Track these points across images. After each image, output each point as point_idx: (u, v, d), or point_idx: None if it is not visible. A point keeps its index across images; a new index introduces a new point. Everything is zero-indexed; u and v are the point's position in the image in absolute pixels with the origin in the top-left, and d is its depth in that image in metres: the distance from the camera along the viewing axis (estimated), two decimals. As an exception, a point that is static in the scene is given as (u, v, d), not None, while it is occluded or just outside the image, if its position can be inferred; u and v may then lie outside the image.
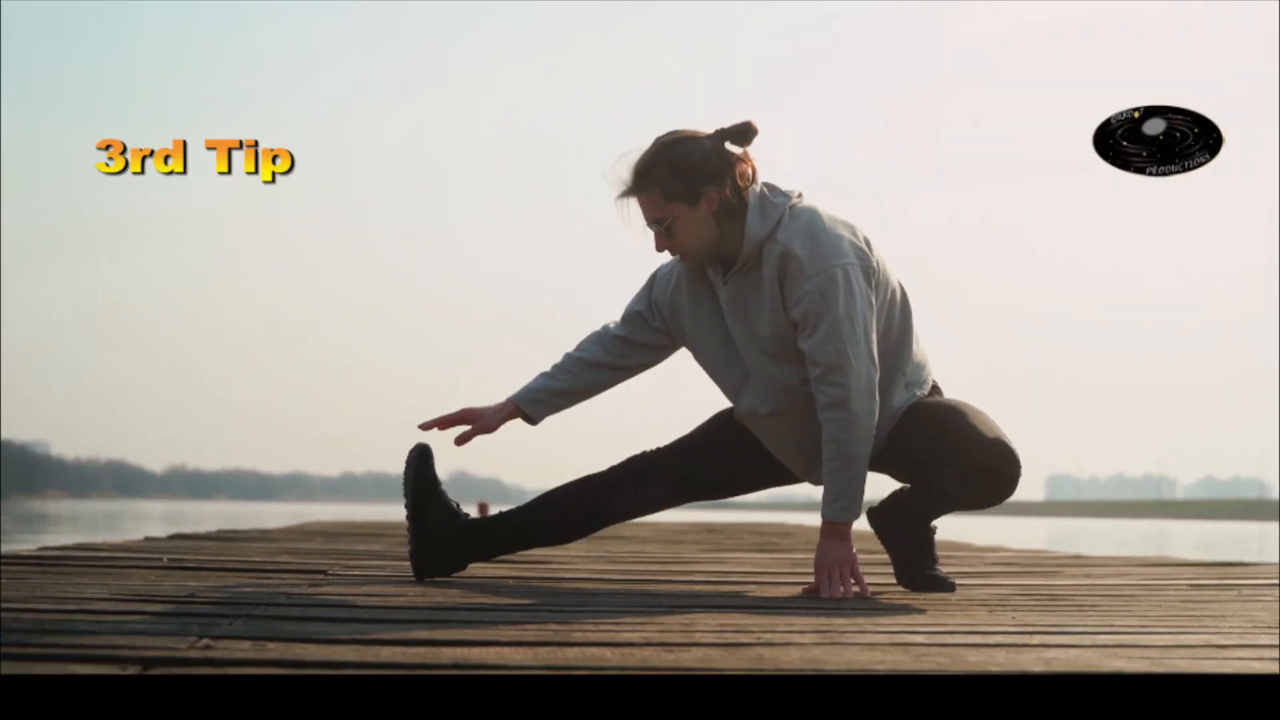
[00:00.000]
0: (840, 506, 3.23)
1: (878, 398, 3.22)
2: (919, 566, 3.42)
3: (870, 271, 3.22)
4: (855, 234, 3.25)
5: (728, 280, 3.30)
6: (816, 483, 3.44)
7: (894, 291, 3.33)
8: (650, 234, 3.29)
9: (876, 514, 3.46)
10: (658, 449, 3.60)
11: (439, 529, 3.48)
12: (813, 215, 3.24)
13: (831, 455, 3.21)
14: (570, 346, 3.56)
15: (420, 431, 3.48)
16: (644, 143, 3.28)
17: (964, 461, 3.23)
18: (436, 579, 3.47)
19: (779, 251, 3.20)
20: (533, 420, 3.53)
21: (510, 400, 3.50)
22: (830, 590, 3.20)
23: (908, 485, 3.43)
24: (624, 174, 3.27)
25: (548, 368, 3.54)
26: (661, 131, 3.29)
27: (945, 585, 3.40)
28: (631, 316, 3.51)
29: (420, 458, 3.50)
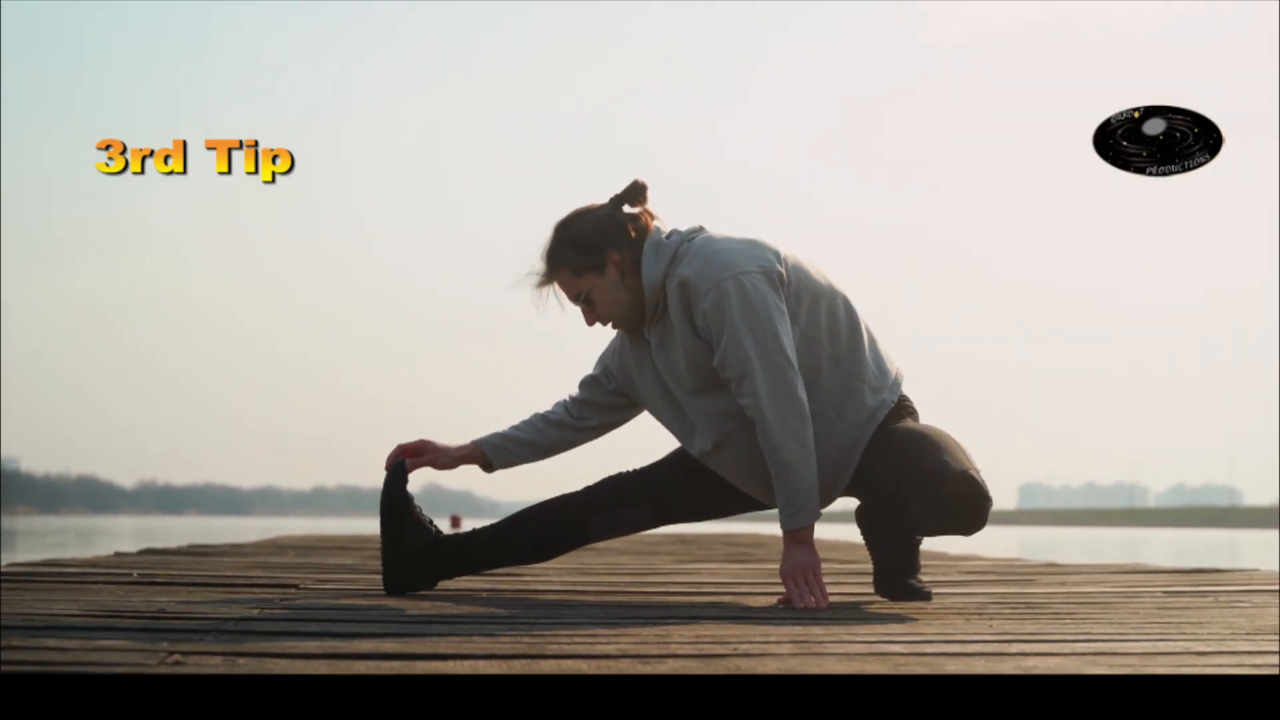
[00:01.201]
0: (791, 513, 3.21)
1: (802, 399, 3.19)
2: (898, 576, 3.42)
3: (773, 275, 3.22)
4: (757, 246, 3.27)
5: (650, 332, 3.38)
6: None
7: (830, 297, 3.32)
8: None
9: (862, 516, 3.47)
10: (635, 471, 3.61)
11: (411, 544, 3.47)
12: (707, 241, 3.28)
13: (770, 466, 3.21)
14: (542, 404, 3.67)
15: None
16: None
17: (931, 496, 3.17)
18: (407, 594, 3.45)
19: (676, 284, 3.25)
20: (490, 466, 3.58)
21: (474, 442, 3.58)
22: (801, 599, 3.18)
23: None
24: (538, 265, 3.40)
25: (515, 423, 3.62)
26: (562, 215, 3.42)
27: (922, 595, 3.40)
28: (588, 381, 3.60)
29: (394, 474, 3.50)
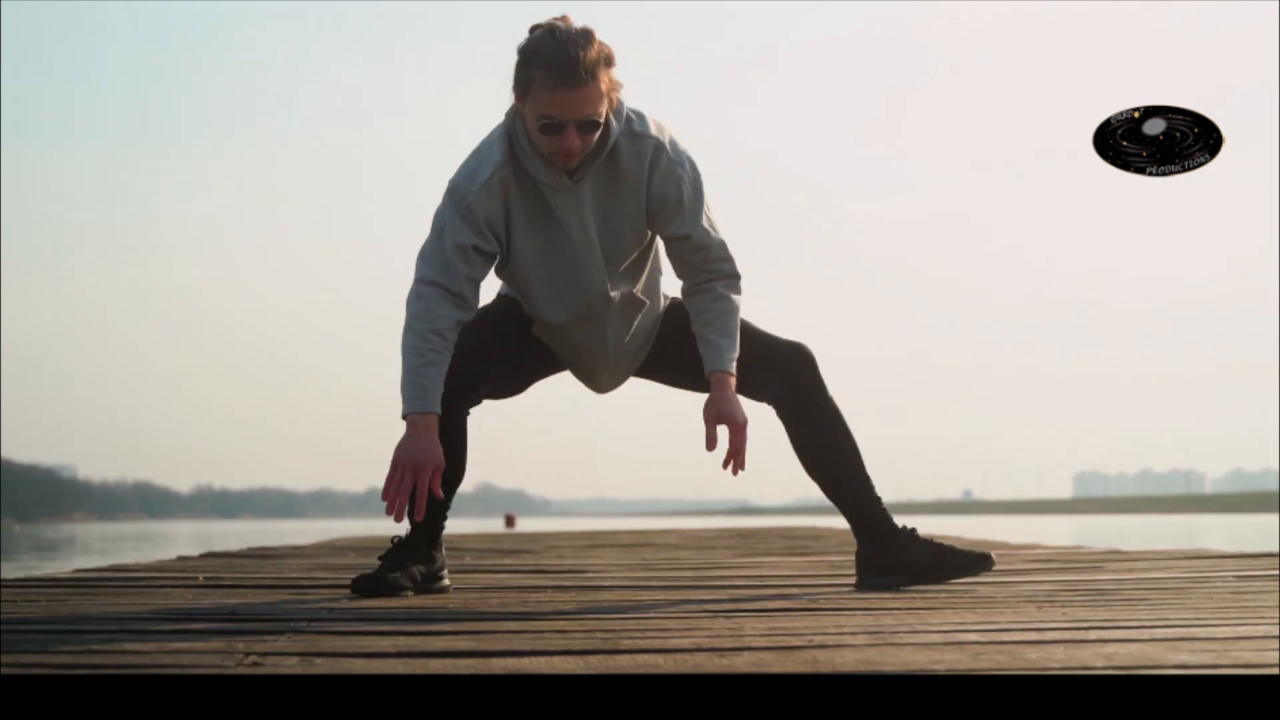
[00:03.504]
0: (731, 356, 3.30)
1: None
2: (876, 564, 3.46)
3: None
4: None
5: (579, 179, 3.21)
6: (602, 390, 3.57)
7: None
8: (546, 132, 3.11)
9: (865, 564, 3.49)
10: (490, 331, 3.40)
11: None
12: (652, 116, 3.28)
13: (725, 309, 3.31)
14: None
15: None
16: (563, 32, 3.09)
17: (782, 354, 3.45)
18: (462, 591, 3.42)
19: (650, 145, 3.23)
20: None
21: (431, 414, 3.13)
22: (735, 446, 3.22)
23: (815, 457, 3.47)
24: (568, 62, 3.04)
25: (421, 352, 3.14)
26: (547, 20, 3.14)
27: (891, 586, 3.43)
28: (468, 252, 3.18)
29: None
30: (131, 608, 2.99)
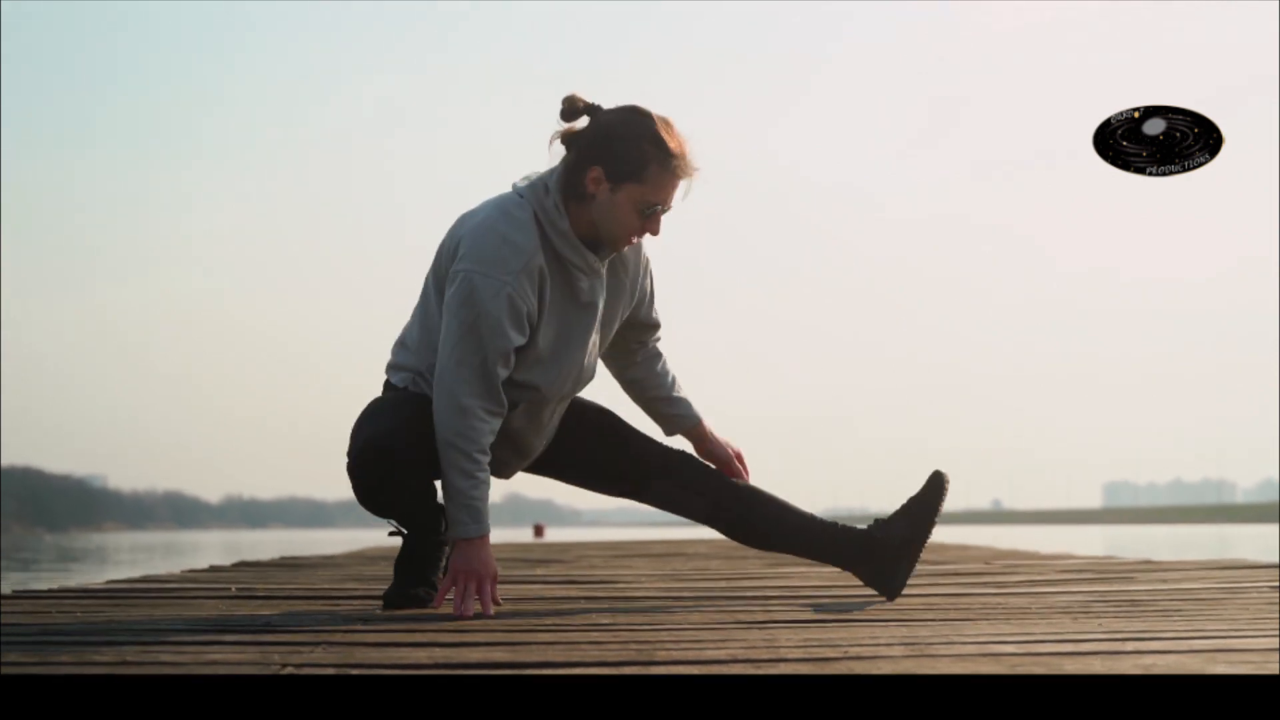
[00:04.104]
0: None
1: None
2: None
3: None
4: None
5: (603, 262, 3.24)
6: (507, 475, 3.47)
7: None
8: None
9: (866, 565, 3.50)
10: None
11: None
12: None
13: (670, 368, 3.54)
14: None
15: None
16: (672, 122, 3.16)
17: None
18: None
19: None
20: None
21: (486, 535, 3.15)
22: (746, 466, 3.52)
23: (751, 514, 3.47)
24: (685, 152, 3.14)
25: (470, 474, 3.10)
26: (649, 109, 3.16)
27: (909, 573, 3.46)
28: (509, 356, 3.13)
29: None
30: (166, 618, 3.00)
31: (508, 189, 3.21)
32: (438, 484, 3.24)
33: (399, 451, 3.15)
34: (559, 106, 3.15)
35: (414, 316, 3.30)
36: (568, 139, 3.16)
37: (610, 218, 3.13)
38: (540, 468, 3.52)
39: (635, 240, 3.20)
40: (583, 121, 3.16)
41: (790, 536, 3.47)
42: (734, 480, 3.49)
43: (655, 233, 3.18)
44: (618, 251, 3.24)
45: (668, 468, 3.47)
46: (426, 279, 3.26)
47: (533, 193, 3.16)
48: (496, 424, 3.15)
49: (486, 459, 3.13)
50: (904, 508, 3.45)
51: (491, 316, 3.06)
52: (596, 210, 3.13)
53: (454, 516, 3.12)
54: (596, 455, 3.48)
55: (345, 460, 3.23)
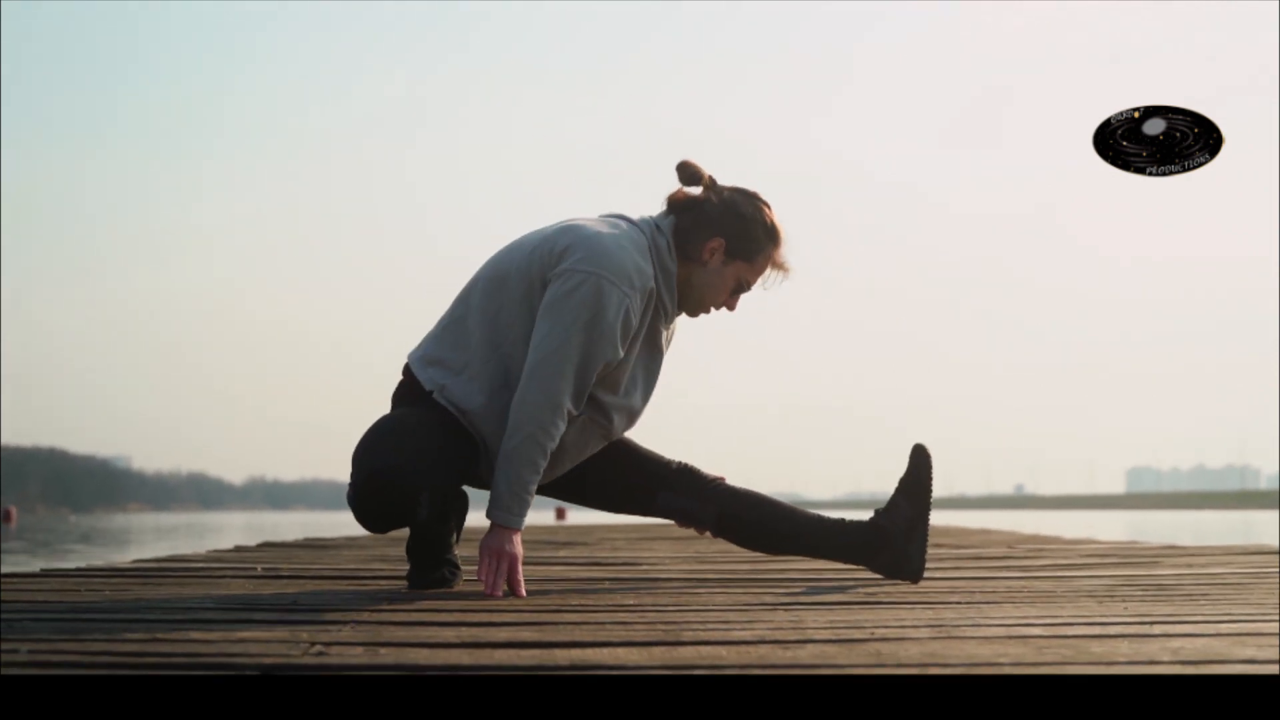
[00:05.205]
0: None
1: None
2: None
3: None
4: None
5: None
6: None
7: None
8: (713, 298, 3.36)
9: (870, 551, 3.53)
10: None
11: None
12: None
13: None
14: None
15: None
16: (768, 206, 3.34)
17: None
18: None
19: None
20: None
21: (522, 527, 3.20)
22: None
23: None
24: (786, 254, 3.35)
25: (539, 469, 3.16)
26: (747, 189, 3.34)
27: (921, 552, 3.49)
28: (609, 366, 3.21)
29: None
30: (194, 596, 3.02)
31: (588, 212, 3.32)
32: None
33: (406, 491, 3.16)
34: (675, 171, 3.31)
35: (464, 310, 3.27)
36: (685, 203, 3.29)
37: (711, 285, 3.30)
38: (551, 490, 3.50)
39: (714, 311, 3.37)
40: (696, 189, 3.31)
41: (799, 538, 3.52)
42: (738, 487, 3.53)
43: (732, 309, 3.37)
44: (693, 316, 3.39)
45: (672, 480, 3.51)
46: (492, 278, 3.23)
47: (649, 229, 3.26)
48: (565, 426, 3.18)
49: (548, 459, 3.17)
50: (899, 488, 3.51)
51: (608, 322, 3.10)
52: (700, 274, 3.29)
53: (506, 503, 3.13)
54: (605, 476, 3.50)
55: (347, 489, 3.25)
